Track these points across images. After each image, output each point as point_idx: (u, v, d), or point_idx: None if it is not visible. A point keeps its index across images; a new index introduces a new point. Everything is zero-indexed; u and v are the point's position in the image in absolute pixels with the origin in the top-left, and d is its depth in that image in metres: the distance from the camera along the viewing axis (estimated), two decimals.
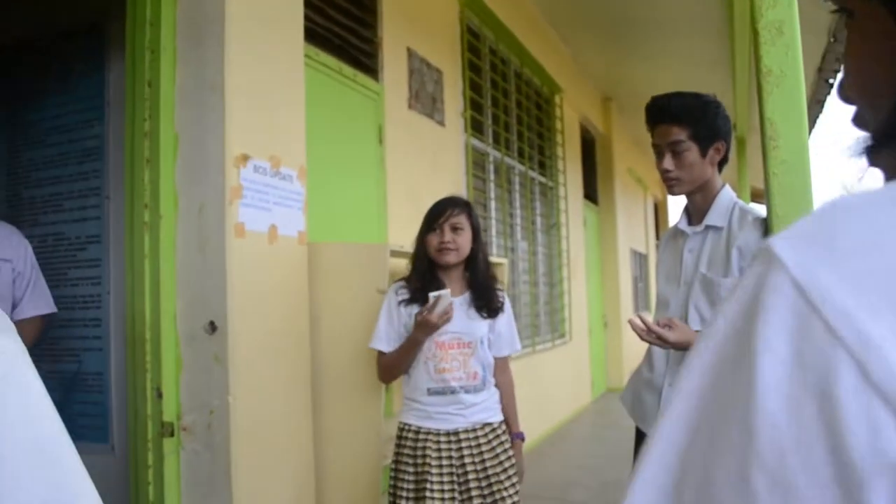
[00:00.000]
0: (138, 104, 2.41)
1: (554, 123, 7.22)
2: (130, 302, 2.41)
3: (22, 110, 2.80)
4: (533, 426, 5.87)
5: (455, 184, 4.63)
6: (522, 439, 2.55)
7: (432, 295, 2.29)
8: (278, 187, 2.66)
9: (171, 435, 2.35)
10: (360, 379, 2.69)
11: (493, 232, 5.48)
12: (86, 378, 2.62)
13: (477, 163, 5.25)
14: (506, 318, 2.53)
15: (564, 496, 4.66)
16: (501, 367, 2.55)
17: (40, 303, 2.41)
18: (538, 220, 6.76)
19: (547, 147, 7.04)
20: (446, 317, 2.32)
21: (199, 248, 2.40)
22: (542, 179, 6.91)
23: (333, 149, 3.28)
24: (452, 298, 2.39)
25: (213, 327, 2.36)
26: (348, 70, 3.46)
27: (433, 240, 2.42)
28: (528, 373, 5.83)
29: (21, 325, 2.22)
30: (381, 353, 2.47)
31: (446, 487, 2.33)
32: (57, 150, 2.72)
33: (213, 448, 2.34)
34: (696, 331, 2.02)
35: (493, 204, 5.52)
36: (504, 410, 2.52)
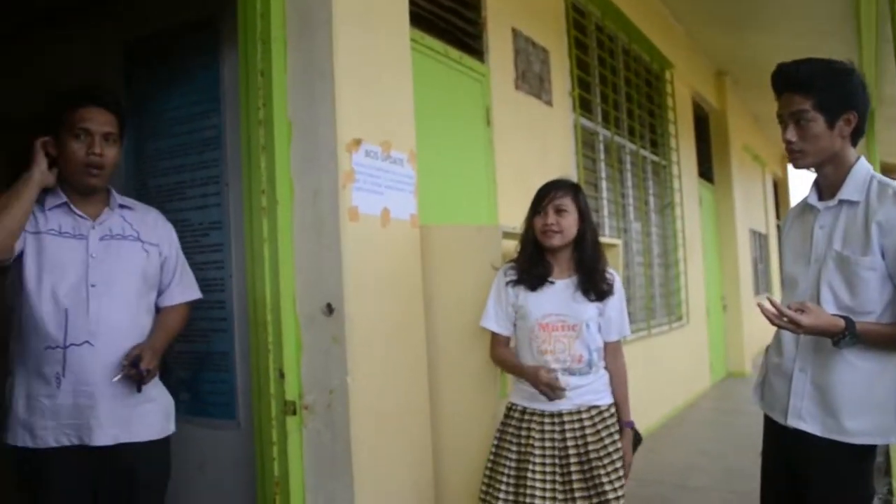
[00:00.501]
0: (252, 94, 2.46)
1: (665, 100, 6.95)
2: (251, 285, 2.47)
3: (146, 103, 2.92)
4: (650, 410, 5.70)
5: (564, 164, 4.53)
6: (632, 428, 2.46)
7: (562, 381, 2.30)
8: (389, 171, 2.66)
9: (294, 413, 2.40)
10: (475, 360, 2.66)
11: (605, 213, 5.34)
12: (213, 357, 2.71)
13: (586, 142, 5.12)
14: (616, 302, 2.46)
15: (685, 482, 4.49)
16: (612, 352, 2.48)
17: (188, 289, 2.38)
18: (651, 199, 6.54)
19: (658, 125, 6.80)
20: (553, 393, 2.29)
21: (315, 232, 2.44)
22: (655, 158, 6.67)
23: (442, 132, 3.26)
24: (558, 280, 2.41)
25: (330, 309, 2.39)
26: (454, 52, 3.44)
27: (538, 222, 2.42)
28: (644, 356, 5.66)
29: (168, 312, 2.30)
30: (494, 334, 2.50)
31: (548, 470, 2.31)
32: (179, 140, 2.81)
33: (333, 427, 2.37)
34: (833, 315, 1.88)
35: (604, 184, 5.38)
36: (614, 396, 2.45)
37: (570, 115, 4.77)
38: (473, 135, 3.58)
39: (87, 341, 2.05)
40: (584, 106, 5.03)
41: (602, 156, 5.42)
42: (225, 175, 2.68)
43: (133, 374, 2.05)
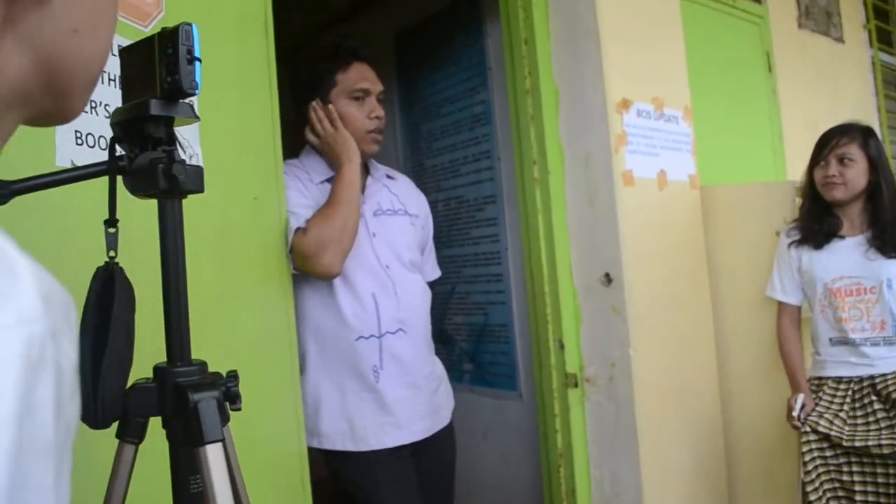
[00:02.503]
0: (517, 63, 2.39)
1: None
2: (527, 257, 2.41)
3: (416, 88, 2.99)
4: None
5: (862, 108, 3.91)
6: None
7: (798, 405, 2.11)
8: (664, 130, 2.46)
9: (575, 386, 2.30)
10: (769, 333, 2.37)
11: None
12: (493, 329, 2.70)
13: (889, 81, 4.38)
14: None
15: None
16: None
17: (436, 266, 2.11)
18: None
19: None
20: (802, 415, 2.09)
21: (589, 200, 2.31)
22: None
23: (717, 84, 2.95)
24: (848, 237, 2.14)
25: (608, 279, 2.25)
26: None
27: (819, 174, 2.14)
28: None
29: None
30: (780, 303, 2.25)
31: (858, 444, 2.00)
32: (450, 119, 2.83)
33: (616, 401, 2.24)
34: None
35: None
36: None
37: (867, 51, 4.10)
38: (754, 84, 3.20)
39: (400, 329, 1.80)
40: (882, 39, 4.29)
41: None
42: (496, 149, 2.65)
43: None
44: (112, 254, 0.83)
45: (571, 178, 2.35)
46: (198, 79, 0.81)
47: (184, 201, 0.85)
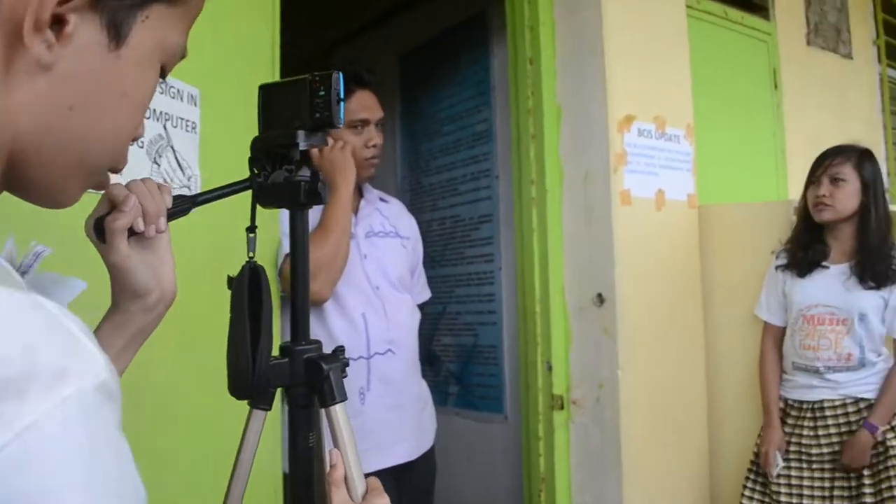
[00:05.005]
0: (521, 82, 2.32)
1: None
2: (521, 276, 2.34)
3: (420, 106, 2.93)
4: None
5: (868, 126, 3.78)
6: (872, 433, 1.95)
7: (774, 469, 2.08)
8: (664, 149, 2.38)
9: (562, 408, 2.24)
10: (758, 353, 2.29)
11: None
12: (482, 351, 2.64)
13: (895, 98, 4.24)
14: None
15: None
16: None
17: (426, 288, 2.09)
18: None
19: None
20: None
21: (586, 219, 2.24)
22: None
23: (722, 101, 2.85)
24: (833, 265, 2.08)
25: (601, 299, 2.18)
26: (734, 13, 2.97)
27: (810, 194, 2.07)
28: None
29: None
30: (765, 323, 2.20)
31: (815, 467, 2.04)
32: (451, 138, 2.78)
33: (602, 423, 2.17)
34: None
35: None
36: (879, 392, 2.01)
37: (876, 67, 3.95)
38: (759, 101, 3.09)
39: (389, 349, 1.77)
40: (891, 55, 4.14)
41: None
42: (495, 168, 2.60)
43: None
44: (251, 254, 0.96)
45: (569, 196, 2.28)
46: (342, 116, 0.96)
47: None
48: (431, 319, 2.55)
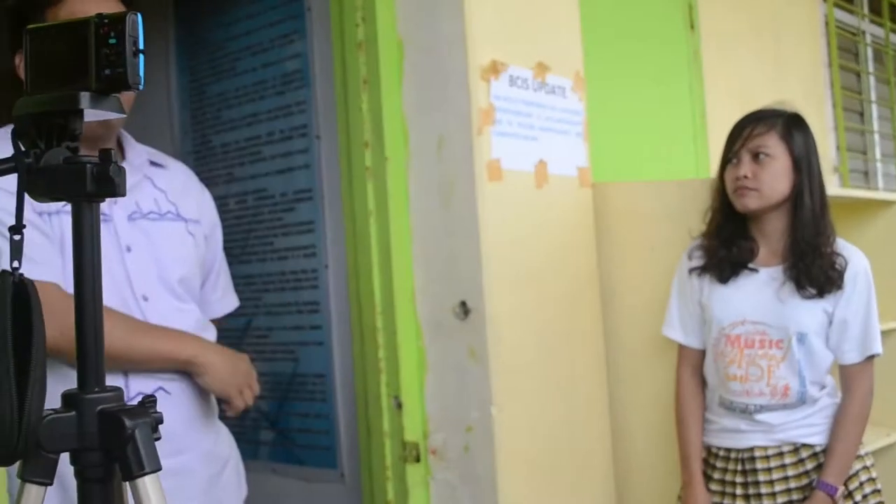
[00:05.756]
0: (347, 4, 2.46)
1: None
2: (354, 279, 2.49)
3: (203, 31, 2.99)
4: None
5: (810, 81, 4.29)
6: (831, 496, 2.23)
7: None
8: (545, 105, 2.60)
9: (417, 460, 2.40)
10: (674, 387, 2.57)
11: (878, 154, 5.04)
12: (305, 382, 2.75)
13: (845, 47, 4.84)
14: (857, 299, 2.26)
15: None
16: (850, 378, 2.31)
17: (229, 294, 2.18)
18: None
19: None
20: None
21: (441, 199, 2.42)
22: None
23: (621, 45, 3.16)
24: (763, 268, 2.28)
25: (464, 310, 2.36)
26: None
27: (729, 174, 2.29)
28: None
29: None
30: (680, 346, 2.41)
31: None
32: (250, 78, 2.86)
33: (473, 480, 2.35)
34: None
35: (873, 110, 5.07)
36: (830, 437, 2.28)
37: (820, 7, 4.51)
38: (669, 45, 3.45)
39: (161, 387, 1.83)
40: None
41: (870, 66, 5.12)
42: (315, 124, 2.69)
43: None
44: (16, 264, 0.99)
45: (417, 167, 2.44)
46: (141, 73, 1.00)
47: None
48: (231, 338, 2.62)
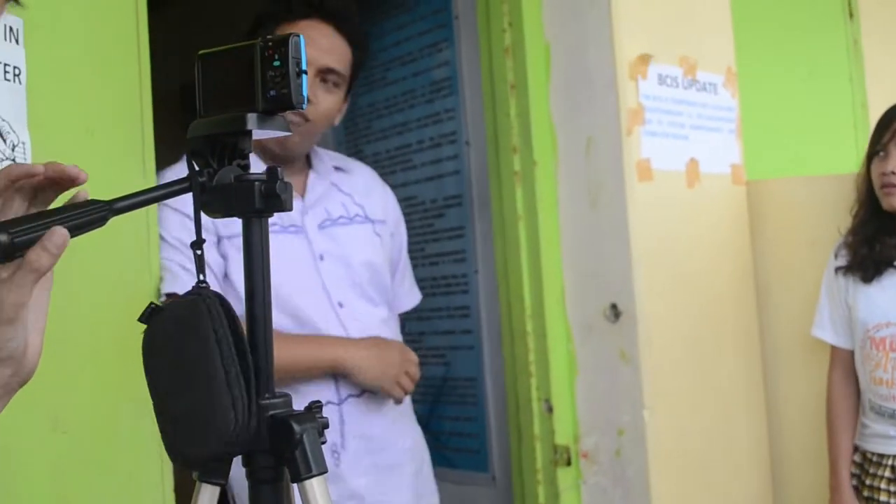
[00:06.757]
0: (494, 10, 2.48)
1: None
2: (504, 282, 2.51)
3: None
4: None
5: None
6: None
7: None
8: (696, 102, 2.58)
9: (568, 463, 2.40)
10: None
11: None
12: (456, 385, 2.79)
13: None
14: None
15: None
16: None
17: (415, 287, 2.28)
18: None
19: None
20: None
21: (590, 200, 2.42)
22: None
23: (774, 38, 3.09)
24: None
25: (615, 312, 2.36)
26: None
27: (876, 169, 2.22)
28: None
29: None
30: (833, 347, 2.37)
31: None
32: (400, 88, 2.91)
33: (625, 484, 2.35)
34: None
35: None
36: None
37: None
38: (826, 35, 3.35)
39: (366, 389, 1.94)
40: None
41: None
42: (464, 130, 2.72)
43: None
44: (202, 277, 1.05)
45: (566, 170, 2.45)
46: (305, 93, 1.05)
47: None
48: None
